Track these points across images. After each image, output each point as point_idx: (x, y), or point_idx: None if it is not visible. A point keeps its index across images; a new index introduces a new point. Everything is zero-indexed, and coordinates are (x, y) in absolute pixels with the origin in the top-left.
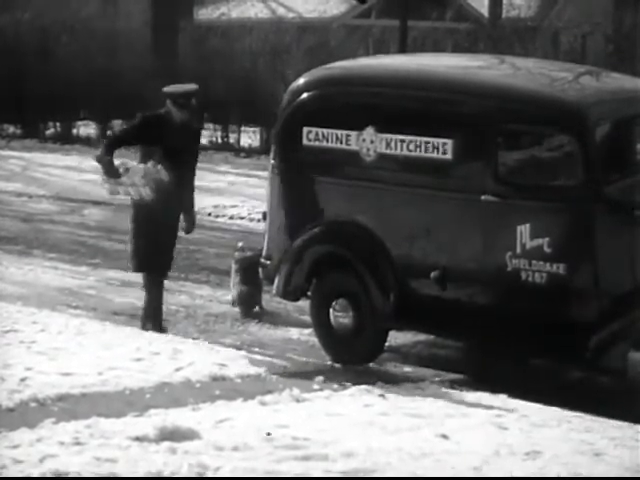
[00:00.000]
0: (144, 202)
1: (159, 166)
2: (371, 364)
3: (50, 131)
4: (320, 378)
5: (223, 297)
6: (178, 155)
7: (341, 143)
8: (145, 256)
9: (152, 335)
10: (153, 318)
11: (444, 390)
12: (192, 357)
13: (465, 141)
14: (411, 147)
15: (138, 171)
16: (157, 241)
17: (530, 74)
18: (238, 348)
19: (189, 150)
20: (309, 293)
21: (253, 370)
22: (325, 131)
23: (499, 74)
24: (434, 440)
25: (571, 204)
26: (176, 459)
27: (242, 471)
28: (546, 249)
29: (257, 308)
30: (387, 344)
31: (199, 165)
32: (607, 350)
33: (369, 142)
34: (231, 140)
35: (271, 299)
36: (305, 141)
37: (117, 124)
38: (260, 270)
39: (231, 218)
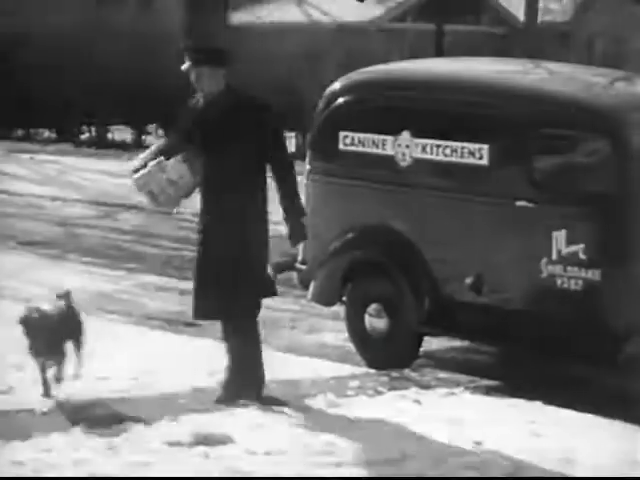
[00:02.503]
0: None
1: (168, 161)
2: (406, 369)
3: (85, 136)
4: (355, 383)
5: None
6: (215, 157)
7: (377, 148)
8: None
9: (186, 339)
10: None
11: (479, 396)
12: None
13: (501, 146)
14: (447, 152)
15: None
16: (198, 278)
17: (566, 79)
18: (273, 353)
19: (234, 150)
20: (344, 298)
21: (287, 375)
22: (361, 136)
23: (535, 79)
24: (468, 446)
25: (606, 210)
26: (210, 464)
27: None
28: (582, 255)
29: None
30: (422, 349)
31: None
32: None
33: (405, 147)
34: None
35: (306, 304)
36: (341, 146)
37: (151, 128)
38: (295, 275)
39: None
